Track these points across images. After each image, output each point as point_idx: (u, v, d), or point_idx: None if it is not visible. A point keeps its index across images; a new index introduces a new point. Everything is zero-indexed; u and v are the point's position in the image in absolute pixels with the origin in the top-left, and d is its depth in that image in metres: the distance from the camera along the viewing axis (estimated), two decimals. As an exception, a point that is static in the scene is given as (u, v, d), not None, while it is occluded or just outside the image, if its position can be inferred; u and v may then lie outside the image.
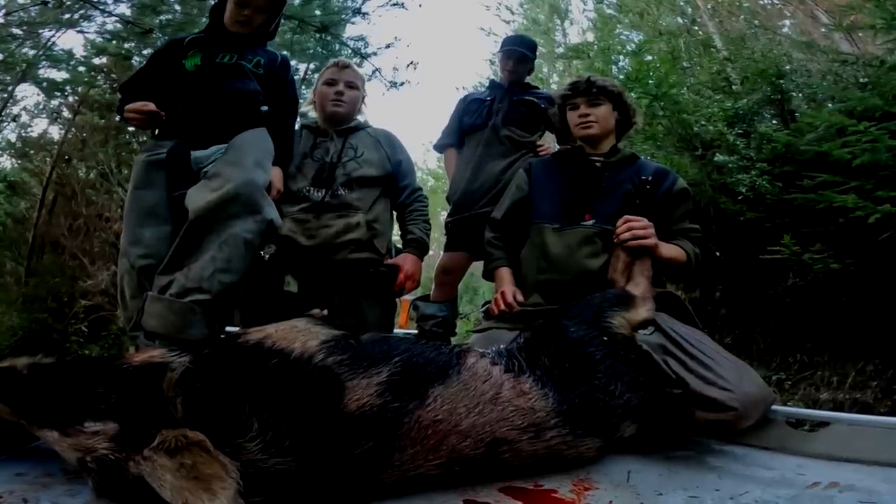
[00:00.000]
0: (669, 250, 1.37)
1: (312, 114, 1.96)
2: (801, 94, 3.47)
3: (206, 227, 1.35)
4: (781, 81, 3.41)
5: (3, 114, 4.86)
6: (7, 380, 0.82)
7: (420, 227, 1.82)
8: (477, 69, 14.07)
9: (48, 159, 4.60)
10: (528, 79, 2.40)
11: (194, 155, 1.49)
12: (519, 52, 2.28)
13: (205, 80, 1.56)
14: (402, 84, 6.10)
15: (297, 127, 1.82)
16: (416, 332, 2.31)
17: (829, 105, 3.15)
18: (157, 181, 1.51)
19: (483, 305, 1.76)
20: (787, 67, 3.57)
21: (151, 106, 1.49)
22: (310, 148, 1.77)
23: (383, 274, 1.62)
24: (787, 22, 5.72)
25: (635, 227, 1.31)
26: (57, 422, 0.76)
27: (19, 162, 4.96)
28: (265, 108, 1.59)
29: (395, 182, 1.83)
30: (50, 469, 0.85)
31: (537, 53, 2.43)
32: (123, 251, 1.50)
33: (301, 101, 1.94)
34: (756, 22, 5.19)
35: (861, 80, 3.11)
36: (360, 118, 1.93)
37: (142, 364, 0.81)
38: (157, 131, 1.58)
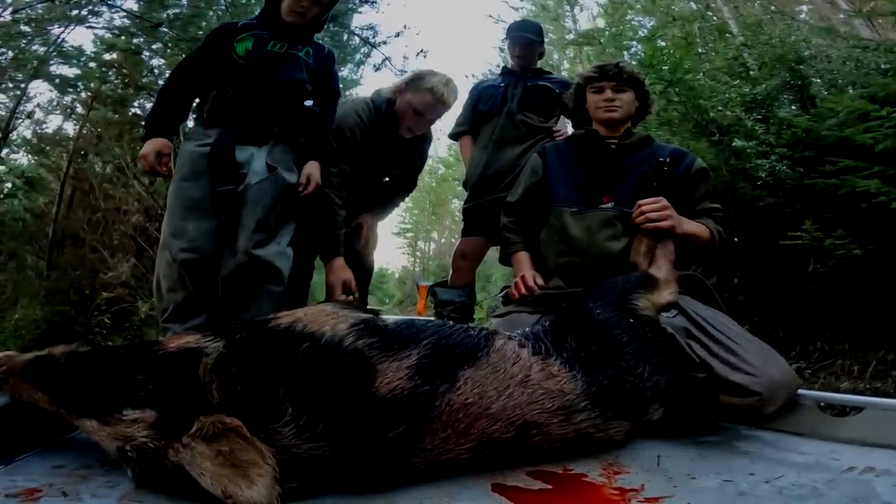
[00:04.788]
0: (691, 226, 1.36)
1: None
2: (820, 80, 3.39)
3: (238, 289, 1.51)
4: (801, 67, 3.34)
5: (17, 111, 4.91)
6: (45, 368, 0.81)
7: None
8: (486, 57, 13.97)
9: (64, 155, 4.66)
10: (539, 64, 2.37)
11: (238, 154, 1.52)
12: (524, 38, 2.25)
13: (255, 67, 1.57)
14: (412, 72, 6.06)
15: (370, 113, 1.85)
16: (433, 318, 2.31)
17: (851, 90, 3.07)
18: (204, 173, 1.50)
19: (501, 290, 1.76)
20: (807, 53, 3.49)
21: (160, 169, 1.52)
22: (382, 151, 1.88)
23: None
24: (805, 8, 5.59)
25: (648, 210, 1.30)
26: (96, 410, 0.75)
27: (36, 158, 5.02)
28: (309, 102, 1.63)
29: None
30: (87, 461, 0.84)
31: (546, 38, 2.41)
32: (165, 243, 1.49)
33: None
34: (773, 7, 5.07)
35: (882, 66, 3.03)
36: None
37: (177, 350, 0.80)
38: (204, 117, 1.59)
